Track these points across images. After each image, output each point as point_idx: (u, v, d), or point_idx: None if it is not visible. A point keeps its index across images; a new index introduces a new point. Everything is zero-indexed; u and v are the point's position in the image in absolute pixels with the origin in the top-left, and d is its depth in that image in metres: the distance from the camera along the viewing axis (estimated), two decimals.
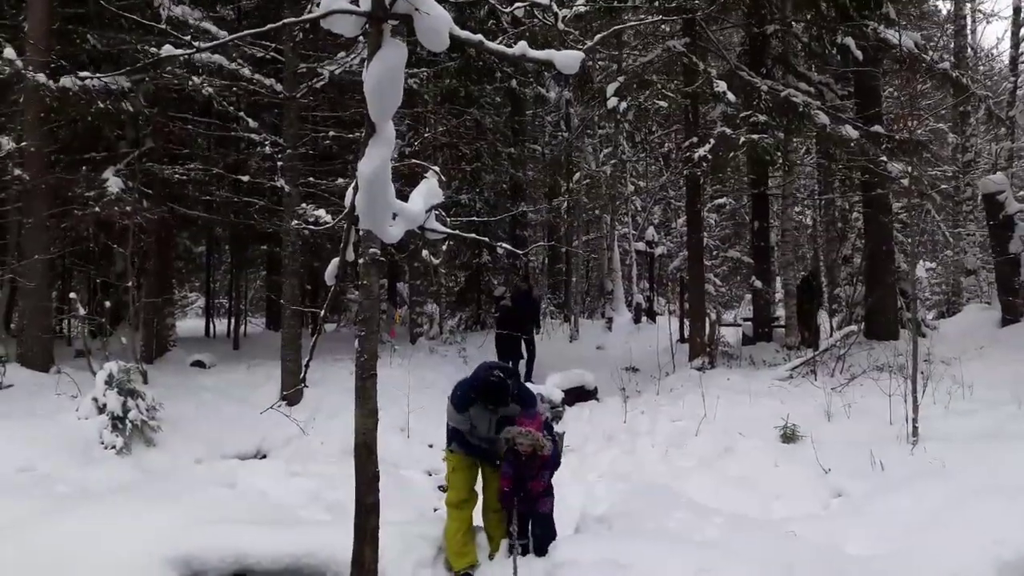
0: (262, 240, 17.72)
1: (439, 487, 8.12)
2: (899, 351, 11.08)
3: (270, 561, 5.19)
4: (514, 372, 5.65)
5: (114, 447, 8.17)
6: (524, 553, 5.29)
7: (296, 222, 9.77)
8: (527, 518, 5.37)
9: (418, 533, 5.51)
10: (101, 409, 8.42)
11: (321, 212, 10.45)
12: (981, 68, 25.55)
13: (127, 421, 8.40)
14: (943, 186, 20.28)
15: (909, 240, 12.23)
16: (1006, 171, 16.52)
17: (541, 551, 5.32)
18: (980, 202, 15.74)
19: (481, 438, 5.41)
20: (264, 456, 9.18)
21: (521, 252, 13.07)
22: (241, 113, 11.02)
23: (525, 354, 13.56)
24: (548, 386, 11.03)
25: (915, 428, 7.79)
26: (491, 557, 5.41)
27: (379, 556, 4.70)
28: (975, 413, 8.84)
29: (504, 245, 5.12)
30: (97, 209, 10.34)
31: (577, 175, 19.40)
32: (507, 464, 5.26)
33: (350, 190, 3.30)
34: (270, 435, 9.60)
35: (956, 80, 13.68)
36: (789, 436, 8.48)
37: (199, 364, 12.92)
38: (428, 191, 3.07)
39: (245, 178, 12.00)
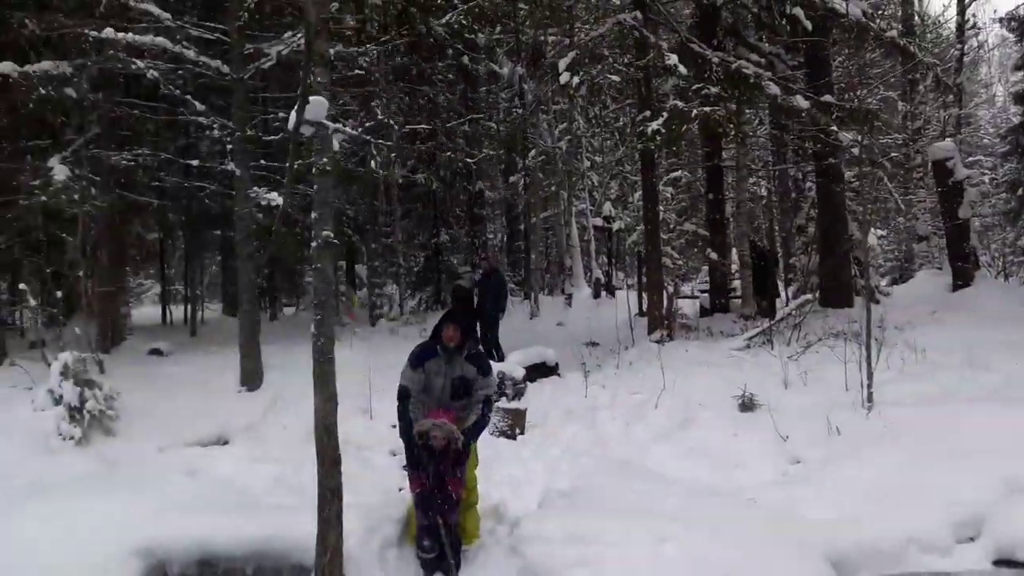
0: (215, 225, 17.45)
1: (403, 467, 8.12)
2: (853, 318, 11.30)
3: (235, 547, 5.18)
4: (476, 332, 5.59)
5: (72, 438, 8.03)
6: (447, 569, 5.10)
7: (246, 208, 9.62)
8: (440, 528, 5.11)
9: (383, 514, 5.54)
10: (57, 400, 8.27)
11: (273, 195, 10.29)
12: (929, 36, 25.96)
13: (84, 412, 8.26)
14: (894, 154, 20.67)
15: (861, 208, 12.48)
16: (954, 138, 16.88)
17: (457, 563, 5.14)
18: (930, 169, 16.09)
19: (432, 399, 5.33)
20: (226, 443, 9.07)
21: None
22: (188, 96, 10.74)
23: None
24: (510, 364, 11.04)
25: (870, 394, 7.97)
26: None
27: (344, 538, 4.71)
28: (928, 377, 9.07)
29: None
30: (44, 199, 10.07)
31: (533, 151, 19.34)
32: (413, 466, 5.22)
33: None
34: (231, 422, 9.50)
35: (904, 48, 13.88)
36: (747, 405, 8.64)
37: (156, 352, 12.72)
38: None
39: (195, 162, 11.77)
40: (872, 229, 12.85)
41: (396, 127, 15.18)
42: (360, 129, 11.62)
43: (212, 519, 5.44)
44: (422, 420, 5.17)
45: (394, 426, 9.25)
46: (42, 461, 7.55)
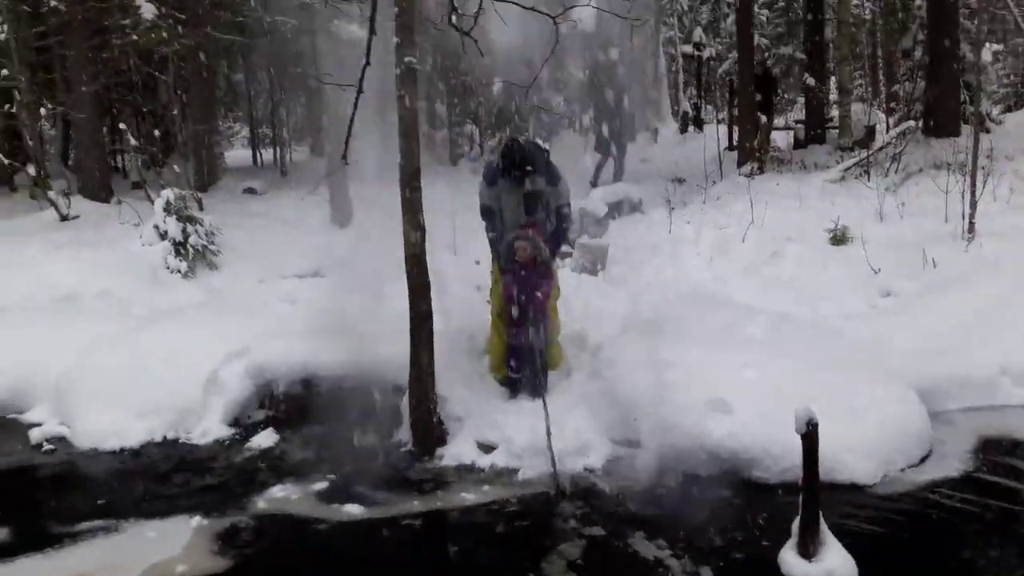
0: (298, 63, 17.38)
1: (487, 301, 8.35)
2: (959, 148, 10.66)
3: (336, 367, 5.55)
4: (538, 147, 5.60)
5: (179, 271, 8.57)
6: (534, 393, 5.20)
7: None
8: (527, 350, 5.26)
9: (469, 341, 5.77)
10: (163, 235, 8.76)
11: (354, 27, 10.11)
12: None
13: (188, 246, 8.75)
14: None
15: (975, 25, 11.41)
16: None
17: (543, 385, 5.24)
18: None
19: (509, 222, 5.47)
20: (321, 276, 9.49)
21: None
22: None
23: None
24: (591, 200, 10.91)
25: (971, 224, 7.65)
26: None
27: (435, 360, 4.96)
28: None
29: None
30: (135, 37, 10.22)
31: None
32: (508, 275, 5.33)
33: None
34: (324, 257, 9.91)
35: None
36: (839, 238, 8.42)
37: (251, 191, 13.12)
38: None
39: None
40: (987, 45, 11.72)
41: None
42: None
43: (314, 343, 5.78)
44: (515, 232, 5.29)
45: (478, 262, 9.61)
46: (154, 291, 8.12)
